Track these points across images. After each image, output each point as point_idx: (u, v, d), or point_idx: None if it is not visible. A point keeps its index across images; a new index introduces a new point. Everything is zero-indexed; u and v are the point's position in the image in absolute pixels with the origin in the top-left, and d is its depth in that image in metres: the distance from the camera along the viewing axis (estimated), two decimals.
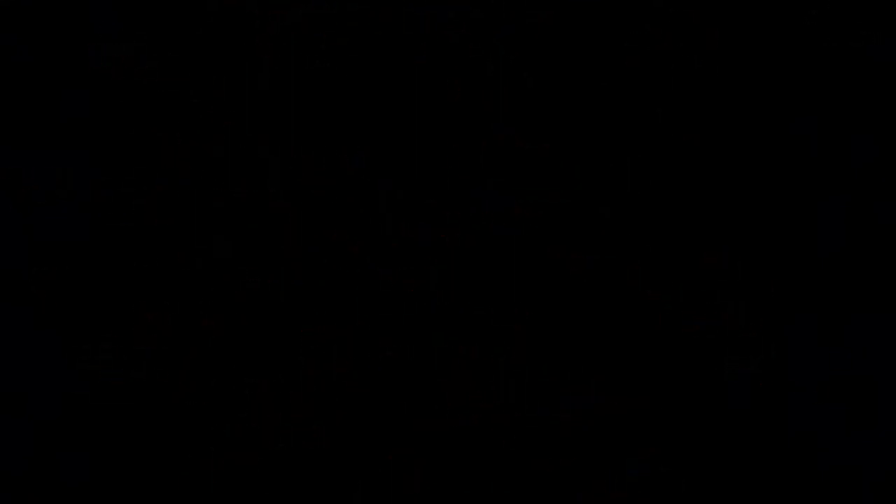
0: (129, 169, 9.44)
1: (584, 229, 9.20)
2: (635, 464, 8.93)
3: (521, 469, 8.98)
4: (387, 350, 9.26)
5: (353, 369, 9.28)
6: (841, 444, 8.74)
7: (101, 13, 9.25)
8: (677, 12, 9.15)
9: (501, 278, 9.23)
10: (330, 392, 9.31)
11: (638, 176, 9.29)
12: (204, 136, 9.42)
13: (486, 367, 9.17)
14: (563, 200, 9.27)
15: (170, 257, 9.37)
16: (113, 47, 9.31)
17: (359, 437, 9.23)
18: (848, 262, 9.01)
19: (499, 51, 9.32)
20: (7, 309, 9.19)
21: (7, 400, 9.09)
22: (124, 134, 9.42)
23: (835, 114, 9.22)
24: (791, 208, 9.15)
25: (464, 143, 9.36)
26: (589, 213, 9.22)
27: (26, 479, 8.98)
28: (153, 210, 9.39)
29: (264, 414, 9.29)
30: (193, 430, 9.25)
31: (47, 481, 9.03)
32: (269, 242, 9.33)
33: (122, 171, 9.44)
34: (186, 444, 9.22)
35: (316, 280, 9.34)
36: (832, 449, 8.74)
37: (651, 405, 9.03)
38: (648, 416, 9.01)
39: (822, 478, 8.63)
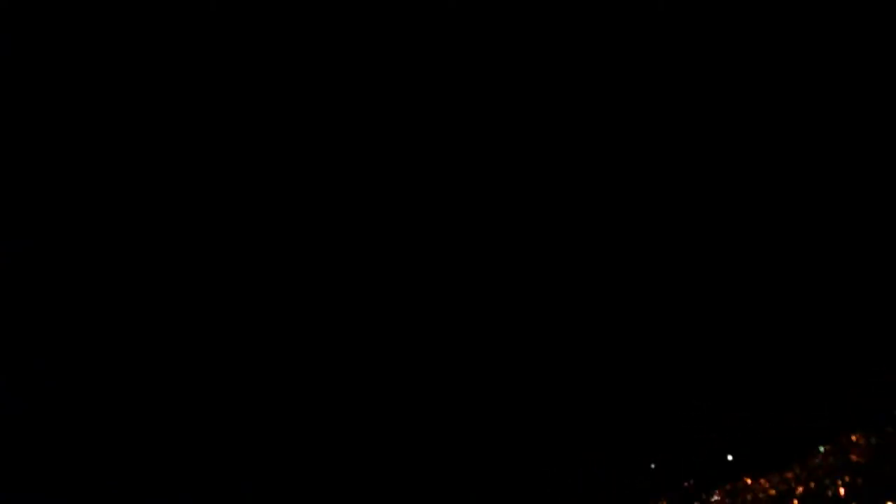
0: (128, 169, 9.41)
1: (584, 229, 9.16)
2: (635, 462, 8.91)
3: (520, 468, 8.95)
4: (387, 350, 9.23)
5: (353, 369, 9.25)
6: None
7: (101, 12, 9.22)
8: (677, 12, 9.12)
9: (501, 278, 9.20)
10: (330, 392, 9.29)
11: (637, 176, 9.25)
12: (204, 136, 9.39)
13: (484, 367, 9.14)
14: (562, 200, 9.23)
15: (170, 257, 9.34)
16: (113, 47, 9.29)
17: (359, 437, 9.20)
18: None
19: (498, 51, 9.29)
20: (7, 307, 9.17)
21: (8, 399, 9.07)
22: (124, 133, 9.40)
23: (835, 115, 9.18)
24: (790, 208, 9.11)
25: (463, 143, 9.34)
26: (589, 213, 9.18)
27: (27, 478, 8.96)
28: (153, 210, 9.36)
29: (264, 413, 9.26)
30: (193, 430, 9.22)
31: (47, 480, 9.01)
32: (269, 242, 9.30)
33: (122, 170, 9.41)
34: (186, 444, 9.19)
35: (316, 280, 9.31)
36: None
37: (650, 404, 9.00)
38: (648, 416, 8.97)
39: None
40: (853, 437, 8.55)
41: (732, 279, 9.01)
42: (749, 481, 8.70)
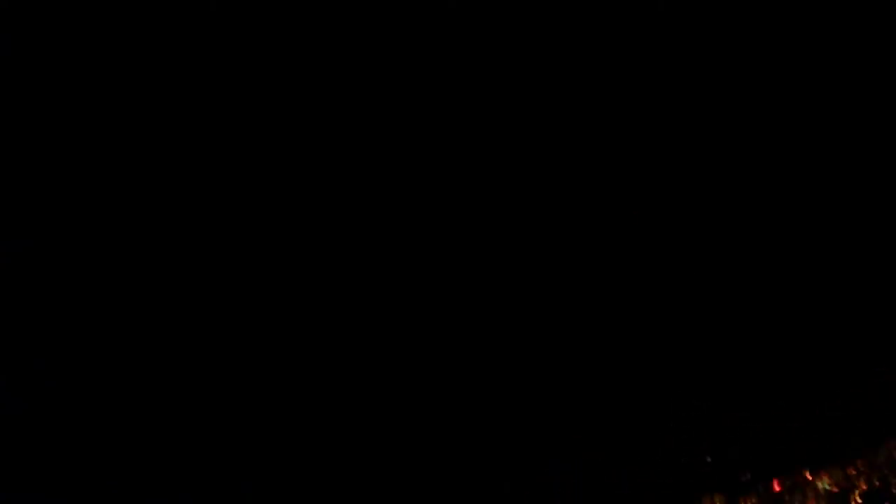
0: (128, 169, 9.43)
1: (584, 229, 9.18)
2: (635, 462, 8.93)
3: (519, 467, 8.96)
4: (387, 350, 9.25)
5: (353, 369, 9.27)
6: None
7: (100, 15, 9.23)
8: (677, 12, 9.13)
9: (500, 278, 9.21)
10: (330, 392, 9.31)
11: (638, 176, 9.27)
12: (204, 136, 9.41)
13: (484, 367, 9.15)
14: (562, 201, 9.25)
15: (170, 257, 9.36)
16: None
17: (360, 437, 9.21)
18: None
19: (497, 51, 9.30)
20: (8, 307, 9.18)
21: (8, 399, 9.09)
22: (124, 133, 9.41)
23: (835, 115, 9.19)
24: (787, 207, 9.12)
25: (463, 144, 9.35)
26: (589, 213, 9.20)
27: (27, 478, 8.98)
28: (153, 210, 9.37)
29: (264, 413, 9.28)
30: (193, 430, 9.23)
31: (47, 480, 9.03)
32: (268, 242, 9.32)
33: (122, 171, 9.43)
34: (186, 444, 9.20)
35: (315, 280, 9.33)
36: None
37: (705, 396, 8.99)
38: (704, 407, 8.96)
39: None
40: None
41: (793, 265, 8.84)
42: (809, 476, 8.72)
